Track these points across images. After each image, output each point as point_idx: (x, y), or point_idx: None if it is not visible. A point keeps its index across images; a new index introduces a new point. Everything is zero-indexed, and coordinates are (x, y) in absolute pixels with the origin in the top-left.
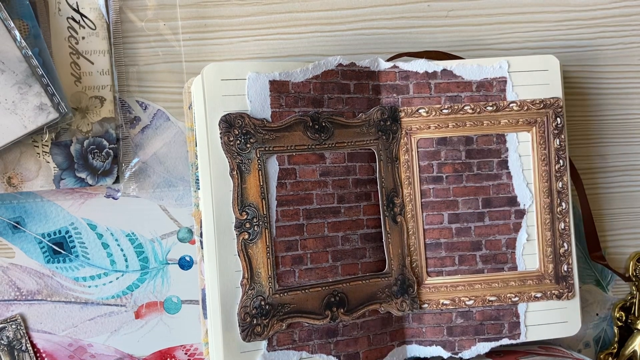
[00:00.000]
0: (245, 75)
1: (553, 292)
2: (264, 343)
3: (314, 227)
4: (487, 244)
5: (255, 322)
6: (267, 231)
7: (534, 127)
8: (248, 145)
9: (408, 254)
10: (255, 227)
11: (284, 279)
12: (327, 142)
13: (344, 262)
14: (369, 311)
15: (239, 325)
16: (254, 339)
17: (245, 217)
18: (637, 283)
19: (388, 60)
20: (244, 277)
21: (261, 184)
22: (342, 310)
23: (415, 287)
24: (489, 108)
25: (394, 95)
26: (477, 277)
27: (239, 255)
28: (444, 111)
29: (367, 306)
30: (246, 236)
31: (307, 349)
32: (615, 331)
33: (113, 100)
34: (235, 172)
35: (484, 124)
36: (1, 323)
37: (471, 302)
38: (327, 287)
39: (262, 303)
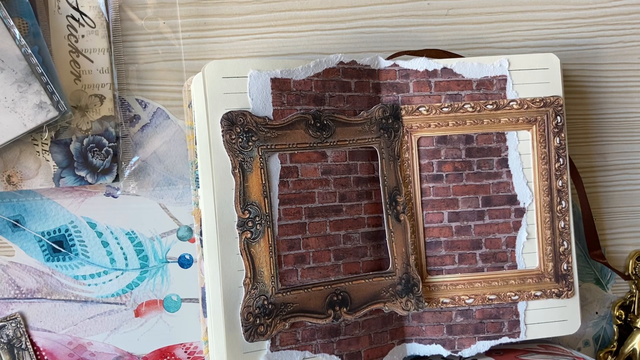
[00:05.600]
0: (247, 73)
1: (553, 290)
2: (267, 343)
3: (315, 225)
4: (487, 242)
5: (258, 322)
6: (269, 230)
7: (534, 126)
8: (250, 144)
9: (412, 252)
10: (258, 225)
11: (286, 278)
12: (328, 140)
13: (345, 261)
14: (371, 310)
15: (242, 326)
16: (257, 339)
17: (248, 215)
18: (636, 281)
19: (388, 58)
20: (246, 277)
21: (263, 182)
22: (344, 309)
23: (420, 286)
24: (489, 106)
25: (394, 93)
26: (477, 276)
27: (241, 254)
28: (444, 109)
29: (371, 305)
30: (249, 235)
31: (309, 349)
32: (615, 329)
33: (113, 98)
34: (237, 171)
35: (484, 123)
36: (1, 321)
37: (471, 300)
38: (329, 286)
39: (265, 302)
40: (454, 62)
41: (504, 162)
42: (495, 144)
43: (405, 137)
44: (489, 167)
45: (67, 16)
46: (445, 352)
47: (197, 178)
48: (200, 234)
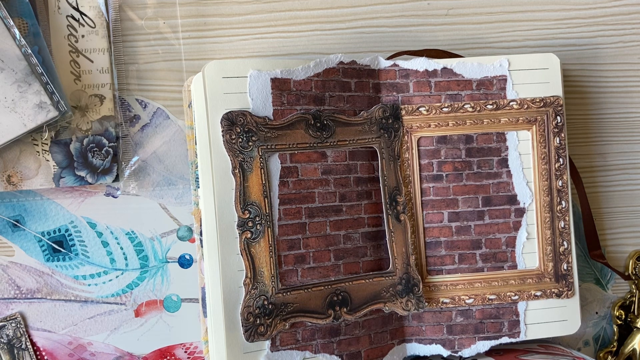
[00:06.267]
0: (247, 73)
1: (553, 290)
2: (267, 343)
3: (316, 225)
4: (487, 242)
5: (258, 322)
6: (269, 230)
7: (534, 126)
8: (250, 144)
9: (412, 252)
10: (258, 225)
11: (286, 278)
12: (328, 140)
13: (345, 261)
14: (371, 310)
15: (242, 326)
16: (257, 339)
17: (248, 215)
18: (636, 281)
19: (388, 58)
20: (246, 277)
21: (263, 182)
22: (345, 309)
23: (421, 286)
24: (489, 106)
25: (394, 93)
26: (477, 276)
27: (241, 254)
28: (444, 109)
29: (371, 305)
30: (249, 235)
31: (310, 349)
32: (615, 329)
33: (113, 98)
34: (237, 171)
35: (484, 123)
36: (1, 321)
37: (471, 300)
38: (329, 286)
39: (265, 303)
40: (454, 62)
41: (504, 162)
42: (495, 144)
43: (405, 137)
44: (489, 167)
45: (67, 16)
46: (445, 352)
47: (197, 178)
48: (200, 234)
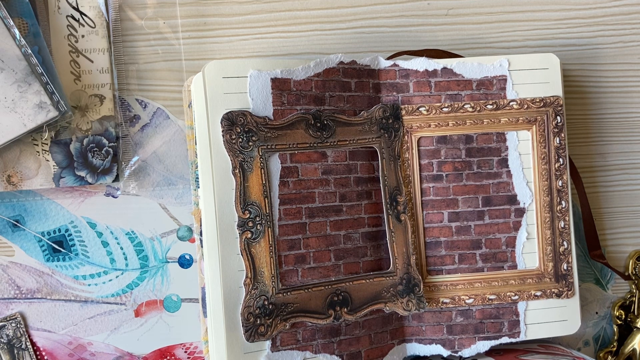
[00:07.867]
0: (247, 73)
1: (553, 290)
2: (268, 343)
3: (316, 225)
4: (487, 242)
5: (258, 322)
6: (269, 230)
7: (534, 126)
8: (250, 144)
9: (413, 252)
10: (258, 225)
11: (287, 278)
12: (328, 140)
13: (346, 261)
14: (371, 310)
15: (243, 326)
16: (257, 339)
17: (248, 215)
18: (636, 281)
19: (388, 58)
20: (247, 277)
21: (264, 182)
22: (345, 309)
23: (422, 286)
24: (489, 106)
25: (394, 93)
26: (477, 276)
27: (242, 254)
28: (444, 109)
29: (371, 305)
30: (249, 235)
31: (310, 349)
32: (615, 329)
33: (113, 98)
34: (237, 171)
35: (484, 123)
36: (1, 321)
37: (471, 300)
38: (330, 286)
39: (266, 303)
40: (454, 62)
41: (504, 162)
42: (495, 144)
43: (406, 137)
44: (489, 167)
45: (67, 16)
46: (445, 352)
47: (197, 178)
48: (200, 234)
